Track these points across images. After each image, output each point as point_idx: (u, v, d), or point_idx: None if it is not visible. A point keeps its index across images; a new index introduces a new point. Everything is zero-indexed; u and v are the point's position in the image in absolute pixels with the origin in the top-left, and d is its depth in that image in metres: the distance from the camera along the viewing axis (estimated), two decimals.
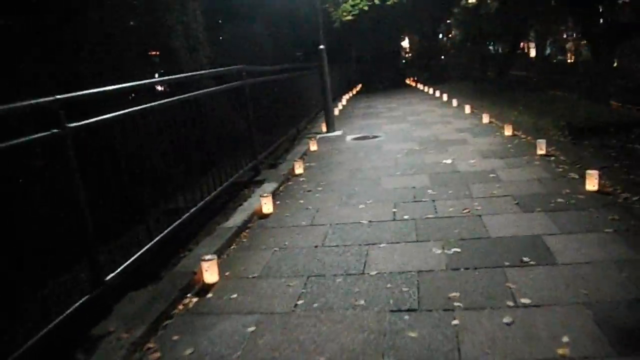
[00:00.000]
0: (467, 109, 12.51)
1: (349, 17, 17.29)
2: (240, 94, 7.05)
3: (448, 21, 44.71)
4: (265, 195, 5.54)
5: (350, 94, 23.13)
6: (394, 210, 5.15)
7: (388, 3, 17.04)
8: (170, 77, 6.13)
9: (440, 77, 27.69)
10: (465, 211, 4.90)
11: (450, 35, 43.60)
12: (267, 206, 5.49)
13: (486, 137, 8.92)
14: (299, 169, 7.34)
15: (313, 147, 9.11)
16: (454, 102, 14.32)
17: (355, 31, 29.67)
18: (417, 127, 10.90)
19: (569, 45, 50.35)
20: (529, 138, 8.34)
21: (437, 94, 18.09)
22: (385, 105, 16.61)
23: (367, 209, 5.31)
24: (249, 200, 5.85)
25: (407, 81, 31.40)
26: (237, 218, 5.18)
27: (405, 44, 53.71)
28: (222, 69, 6.96)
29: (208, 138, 5.88)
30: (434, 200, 5.35)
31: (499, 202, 5.13)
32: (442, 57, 32.09)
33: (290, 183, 6.81)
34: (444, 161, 7.22)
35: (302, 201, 5.85)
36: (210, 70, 6.01)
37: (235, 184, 6.41)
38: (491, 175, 6.21)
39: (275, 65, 9.74)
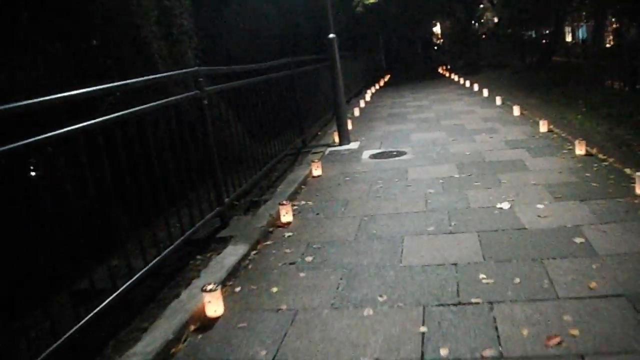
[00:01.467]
0: (515, 110, 10.10)
1: (373, 0, 14.95)
2: (197, 108, 4.88)
3: (481, 5, 42.14)
4: (209, 289, 3.33)
5: (377, 87, 20.78)
6: (423, 330, 2.90)
7: None
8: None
9: (476, 65, 25.08)
10: (554, 343, 2.63)
11: (482, 20, 40.80)
12: (213, 307, 3.30)
13: (551, 157, 6.59)
14: (286, 216, 5.12)
15: (316, 170, 6.88)
16: (498, 100, 11.91)
17: (383, 17, 27.35)
18: (455, 136, 8.57)
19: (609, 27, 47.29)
20: (612, 160, 6.01)
21: (475, 87, 15.62)
22: (414, 102, 14.26)
23: (377, 319, 3.08)
24: (187, 291, 3.64)
25: (440, 70, 28.86)
26: (152, 340, 3.01)
27: (437, 29, 51.20)
28: (161, 75, 4.72)
29: (142, 180, 3.74)
30: (491, 305, 3.08)
31: (607, 309, 2.87)
32: (479, 42, 29.23)
33: (268, 243, 4.62)
34: (499, 205, 4.92)
35: (274, 290, 3.64)
36: (137, 80, 3.87)
37: (190, 242, 4.30)
38: (577, 240, 3.92)
39: (264, 62, 7.48)
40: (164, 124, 4.42)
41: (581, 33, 51.22)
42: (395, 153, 7.69)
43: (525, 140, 7.67)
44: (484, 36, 35.60)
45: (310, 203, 5.71)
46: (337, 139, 8.75)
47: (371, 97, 16.75)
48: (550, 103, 11.53)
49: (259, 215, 5.27)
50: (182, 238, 4.13)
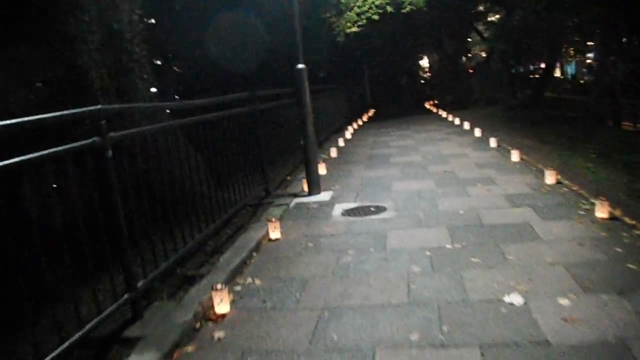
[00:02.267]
0: (514, 154, 8.81)
1: (354, 29, 13.79)
2: (97, 161, 3.55)
3: (469, 39, 41.39)
4: None
5: (360, 122, 19.51)
6: None
7: (404, 11, 13.45)
8: None
9: (465, 101, 23.96)
10: None
11: (470, 55, 39.99)
12: None
13: (566, 220, 5.26)
14: (221, 305, 3.82)
15: (274, 231, 5.51)
16: (492, 142, 10.63)
17: (367, 49, 26.31)
18: (445, 187, 7.25)
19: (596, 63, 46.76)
20: None
21: (466, 125, 14.35)
22: (399, 142, 12.97)
23: None
24: None
25: (426, 105, 27.76)
26: None
27: (424, 62, 50.42)
28: (41, 117, 3.31)
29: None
30: None
31: None
32: (467, 75, 28.18)
33: (188, 350, 3.37)
34: (507, 299, 3.58)
35: None
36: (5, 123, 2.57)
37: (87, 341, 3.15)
38: None
39: (215, 97, 6.17)
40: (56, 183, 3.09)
41: (569, 69, 50.72)
42: (373, 209, 6.33)
43: (531, 195, 6.36)
44: (471, 71, 34.69)
45: (257, 282, 4.33)
46: (306, 188, 7.37)
47: (352, 134, 15.45)
48: (552, 146, 10.32)
49: (186, 302, 3.90)
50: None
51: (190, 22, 13.31)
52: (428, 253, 4.63)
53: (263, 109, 7.55)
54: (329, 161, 10.34)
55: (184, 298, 3.98)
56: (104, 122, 3.56)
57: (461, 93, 25.41)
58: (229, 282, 4.29)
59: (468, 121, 14.83)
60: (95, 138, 3.50)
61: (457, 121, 15.94)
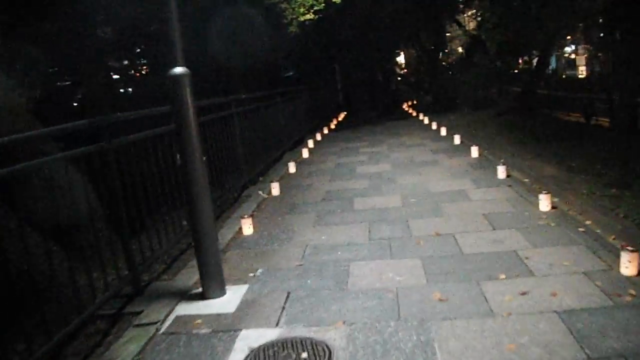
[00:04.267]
0: (543, 200, 5.68)
1: (310, 16, 10.59)
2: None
3: (447, 33, 38.60)
4: None
5: (326, 130, 16.30)
6: None
7: None
8: None
9: (448, 103, 20.87)
10: None
11: (446, 50, 36.97)
12: None
13: None
14: None
15: None
16: (501, 171, 7.52)
17: (337, 41, 23.16)
18: (445, 279, 4.06)
19: (580, 58, 44.11)
20: None
21: (457, 139, 11.21)
22: (368, 168, 9.75)
23: None
24: None
25: (404, 107, 24.65)
26: None
27: (401, 59, 47.45)
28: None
29: None
30: None
31: None
32: (448, 74, 25.07)
33: None
34: None
35: None
36: None
37: None
38: None
39: None
40: None
41: (554, 63, 47.87)
42: (308, 348, 3.17)
43: (594, 300, 3.26)
44: (444, 64, 31.69)
45: None
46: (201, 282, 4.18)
47: (314, 146, 12.33)
48: (586, 176, 7.32)
49: None
50: None
51: None
52: None
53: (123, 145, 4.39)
54: (266, 202, 7.23)
55: None
56: None
57: (442, 93, 22.32)
58: None
59: (457, 132, 11.74)
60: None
61: (443, 131, 12.82)
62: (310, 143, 12.82)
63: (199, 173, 3.85)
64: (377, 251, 4.83)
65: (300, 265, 4.66)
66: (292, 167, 9.36)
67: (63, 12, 9.05)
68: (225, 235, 5.69)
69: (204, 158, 3.89)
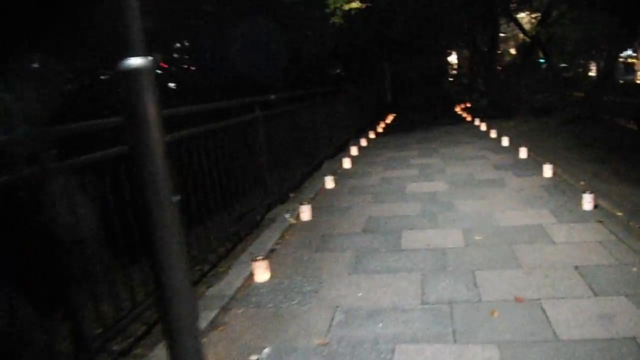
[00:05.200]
0: None
1: (355, 5, 9.22)
2: None
3: (501, 34, 36.70)
4: None
5: (372, 134, 14.86)
6: None
7: None
8: None
9: (506, 107, 19.14)
10: None
11: (499, 51, 34.97)
12: None
13: None
14: None
15: None
16: (587, 201, 5.98)
17: (388, 41, 21.73)
18: None
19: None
20: None
21: (522, 152, 9.63)
22: (420, 181, 8.33)
23: None
24: None
25: (457, 110, 22.98)
26: None
27: (453, 59, 45.70)
28: None
29: None
30: None
31: None
32: (506, 76, 23.26)
33: None
34: None
35: None
36: None
37: None
38: None
39: None
40: None
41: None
42: None
43: None
44: (500, 68, 29.75)
45: None
46: None
47: (352, 162, 10.81)
48: None
49: None
50: None
51: None
52: None
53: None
54: (291, 231, 5.91)
55: None
56: None
57: (499, 97, 20.58)
58: None
59: (520, 143, 10.19)
60: None
61: (504, 141, 11.23)
62: (354, 150, 11.45)
63: (167, 215, 2.48)
64: (433, 325, 3.43)
65: (324, 345, 3.28)
66: (329, 182, 8.00)
67: None
68: (232, 282, 4.37)
69: (177, 197, 2.50)
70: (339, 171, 9.37)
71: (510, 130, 13.26)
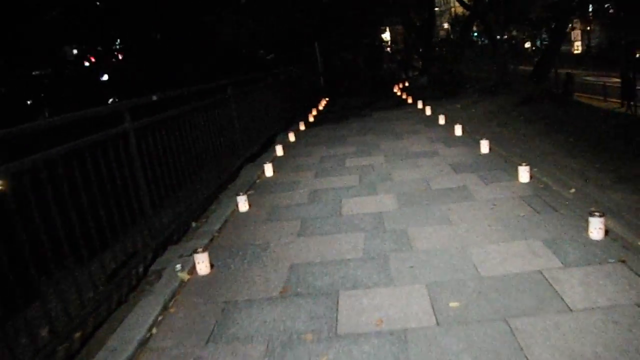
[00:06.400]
0: None
1: None
2: None
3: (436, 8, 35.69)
4: None
5: (303, 125, 12.92)
6: None
7: None
8: None
9: (448, 85, 17.52)
10: None
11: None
12: None
13: None
14: None
15: None
16: (595, 227, 4.22)
17: (317, 19, 19.89)
18: None
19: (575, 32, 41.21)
20: None
21: (483, 145, 7.89)
22: (360, 194, 6.51)
23: None
24: None
25: (395, 90, 21.30)
26: None
27: (386, 36, 44.26)
28: None
29: None
30: None
31: None
32: (459, 52, 21.64)
33: None
34: None
35: None
36: None
37: None
38: None
39: None
40: None
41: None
42: None
43: None
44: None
45: None
46: None
47: (275, 165, 8.90)
48: None
49: None
50: None
51: None
52: None
53: None
54: (179, 299, 3.91)
55: None
56: None
57: (441, 75, 18.97)
58: None
59: (475, 130, 8.55)
60: None
61: (457, 130, 9.49)
62: (279, 150, 9.53)
63: None
64: None
65: None
66: (242, 203, 6.04)
67: None
68: None
69: None
70: (258, 182, 7.45)
71: (460, 115, 11.59)
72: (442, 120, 11.00)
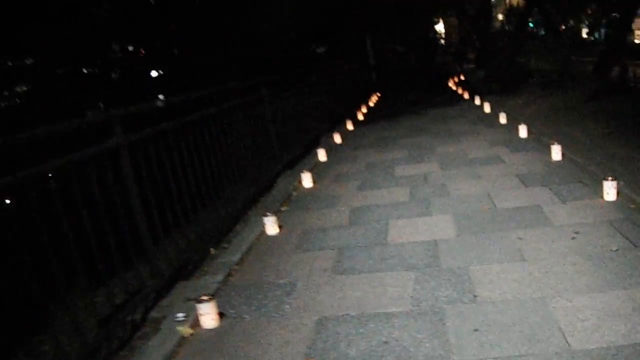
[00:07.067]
0: None
1: None
2: None
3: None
4: None
5: (351, 125, 11.96)
6: None
7: None
8: None
9: (508, 80, 16.18)
10: None
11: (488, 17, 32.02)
12: None
13: None
14: None
15: None
16: None
17: (370, 13, 18.98)
18: None
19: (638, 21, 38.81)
20: None
21: (555, 151, 6.73)
22: (410, 207, 5.53)
23: None
24: None
25: (450, 84, 20.06)
26: None
27: (440, 27, 42.85)
28: None
29: None
30: None
31: None
32: (520, 44, 20.20)
33: None
34: None
35: None
36: None
37: None
38: None
39: None
40: None
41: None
42: None
43: None
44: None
45: None
46: None
47: (316, 173, 7.97)
48: None
49: None
50: None
51: None
52: None
53: None
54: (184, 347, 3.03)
55: None
56: None
57: (499, 68, 17.63)
58: None
59: (543, 132, 7.45)
60: None
61: (522, 131, 8.34)
62: (322, 154, 8.60)
63: None
64: None
65: None
66: (271, 225, 5.13)
67: None
68: None
69: None
70: (294, 194, 6.54)
71: (522, 112, 10.40)
72: (503, 118, 9.85)
